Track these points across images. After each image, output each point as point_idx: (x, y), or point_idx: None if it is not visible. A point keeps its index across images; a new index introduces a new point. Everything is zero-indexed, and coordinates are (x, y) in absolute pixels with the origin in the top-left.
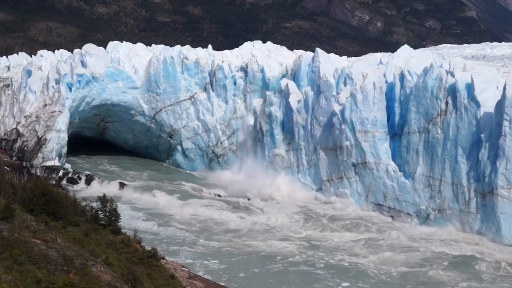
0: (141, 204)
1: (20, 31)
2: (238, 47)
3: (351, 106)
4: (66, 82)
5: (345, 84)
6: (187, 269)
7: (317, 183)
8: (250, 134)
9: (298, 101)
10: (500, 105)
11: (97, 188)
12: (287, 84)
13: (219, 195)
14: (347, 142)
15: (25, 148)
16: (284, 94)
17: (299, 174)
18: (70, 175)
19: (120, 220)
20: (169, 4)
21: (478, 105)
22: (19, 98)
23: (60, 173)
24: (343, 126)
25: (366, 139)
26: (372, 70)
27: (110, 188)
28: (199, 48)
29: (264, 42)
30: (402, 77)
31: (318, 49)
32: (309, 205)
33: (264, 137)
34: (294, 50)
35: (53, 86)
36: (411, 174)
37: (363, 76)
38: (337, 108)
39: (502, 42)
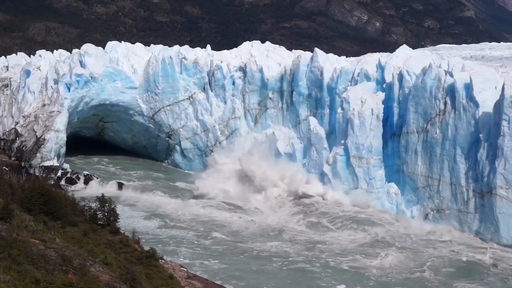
0: (139, 204)
1: (19, 31)
2: (236, 47)
3: (347, 131)
4: (64, 82)
5: (342, 108)
6: (185, 269)
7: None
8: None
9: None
10: (498, 105)
11: (96, 188)
12: (273, 132)
13: None
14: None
15: (23, 148)
16: (272, 142)
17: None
18: (68, 175)
19: (118, 220)
20: (167, 4)
21: (476, 105)
22: (18, 98)
23: (59, 173)
24: (332, 186)
25: (360, 165)
26: (371, 96)
27: (109, 188)
28: (198, 48)
29: (262, 42)
30: (400, 77)
31: (316, 49)
32: (310, 204)
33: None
34: (293, 50)
35: (51, 86)
36: (412, 204)
37: (361, 101)
38: (327, 168)
39: (501, 42)
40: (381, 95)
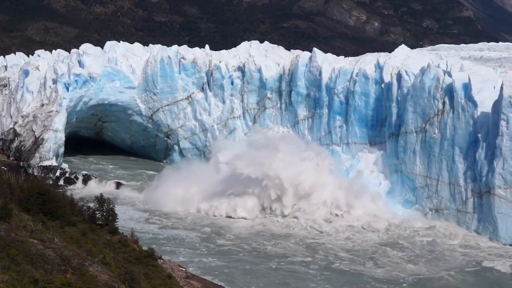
0: (138, 204)
1: (17, 31)
2: (235, 47)
3: None
4: (63, 82)
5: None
6: (184, 269)
7: None
8: None
9: None
10: (497, 105)
11: (94, 188)
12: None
13: None
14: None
15: (22, 148)
16: None
17: None
18: (67, 175)
19: (117, 220)
20: (166, 4)
21: (475, 105)
22: (17, 98)
23: (57, 173)
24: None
25: None
26: (376, 171)
27: (107, 188)
28: (196, 48)
29: (261, 42)
30: (399, 77)
31: (315, 49)
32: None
33: None
34: (292, 50)
35: (50, 86)
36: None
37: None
38: None
39: (499, 42)
40: (384, 182)
